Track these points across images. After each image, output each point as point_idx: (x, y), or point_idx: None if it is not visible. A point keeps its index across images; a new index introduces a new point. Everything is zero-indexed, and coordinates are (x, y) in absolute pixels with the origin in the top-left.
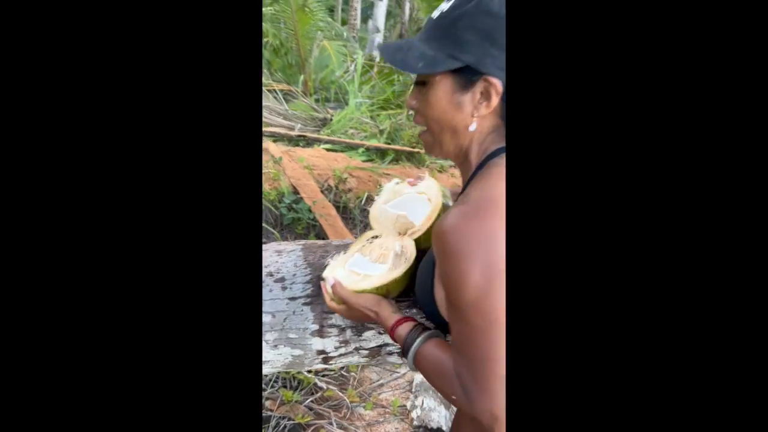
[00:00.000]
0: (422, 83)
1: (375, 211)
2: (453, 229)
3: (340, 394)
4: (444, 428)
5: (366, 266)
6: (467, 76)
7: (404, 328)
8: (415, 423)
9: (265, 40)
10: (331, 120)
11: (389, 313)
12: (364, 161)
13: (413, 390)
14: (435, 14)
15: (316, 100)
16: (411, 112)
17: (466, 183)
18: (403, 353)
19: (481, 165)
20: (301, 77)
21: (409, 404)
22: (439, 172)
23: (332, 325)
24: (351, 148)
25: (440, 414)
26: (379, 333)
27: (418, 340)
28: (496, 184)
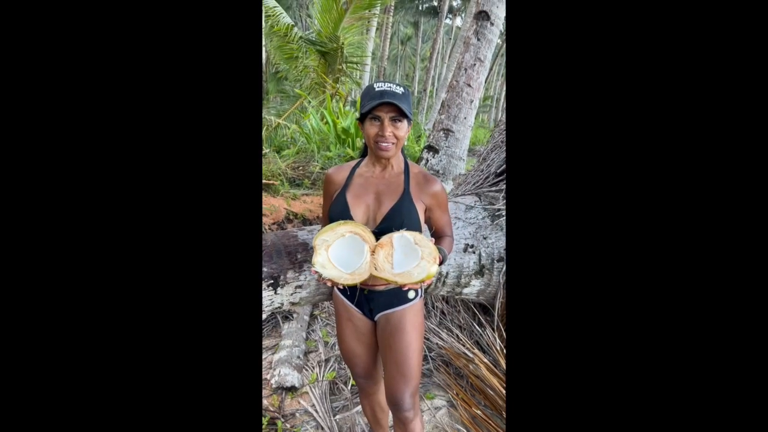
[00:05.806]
0: (397, 119)
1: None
2: (443, 190)
3: None
4: (297, 386)
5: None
6: (409, 122)
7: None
8: (274, 386)
9: None
10: None
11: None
12: None
13: (272, 366)
14: (399, 90)
15: None
16: (391, 139)
17: (406, 166)
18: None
19: (404, 158)
20: None
21: (269, 376)
22: (293, 199)
23: None
24: None
25: (294, 377)
26: None
27: (444, 251)
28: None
